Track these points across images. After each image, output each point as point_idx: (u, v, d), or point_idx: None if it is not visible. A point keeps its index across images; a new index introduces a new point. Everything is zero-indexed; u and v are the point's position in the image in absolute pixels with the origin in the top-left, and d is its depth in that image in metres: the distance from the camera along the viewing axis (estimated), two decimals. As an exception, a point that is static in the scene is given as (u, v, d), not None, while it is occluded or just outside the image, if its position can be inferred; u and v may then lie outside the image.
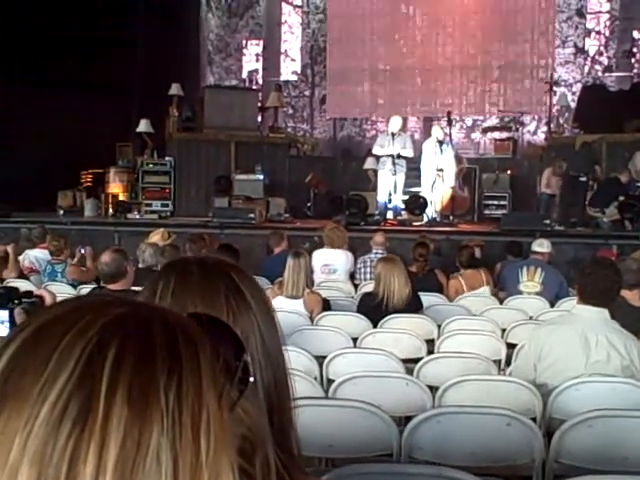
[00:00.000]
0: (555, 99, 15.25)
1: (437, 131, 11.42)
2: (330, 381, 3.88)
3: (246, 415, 0.64)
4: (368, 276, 7.54)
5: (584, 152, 11.08)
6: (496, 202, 13.05)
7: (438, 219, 11.18)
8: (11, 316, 1.66)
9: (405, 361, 4.26)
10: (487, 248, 8.71)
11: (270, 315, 1.14)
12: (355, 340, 4.80)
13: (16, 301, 1.69)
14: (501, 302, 6.44)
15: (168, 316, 0.59)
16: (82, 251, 7.58)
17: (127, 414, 0.52)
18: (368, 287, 6.47)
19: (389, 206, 11.39)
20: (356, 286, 7.46)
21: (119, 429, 0.51)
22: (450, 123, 11.63)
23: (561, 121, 14.89)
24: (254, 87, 16.05)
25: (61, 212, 12.56)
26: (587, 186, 10.82)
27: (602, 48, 16.08)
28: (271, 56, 17.48)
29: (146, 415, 0.52)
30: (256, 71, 17.33)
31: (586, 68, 16.00)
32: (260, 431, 0.67)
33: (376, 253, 7.77)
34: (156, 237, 7.67)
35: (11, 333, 0.57)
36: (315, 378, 3.95)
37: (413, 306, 5.36)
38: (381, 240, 7.98)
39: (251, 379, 0.65)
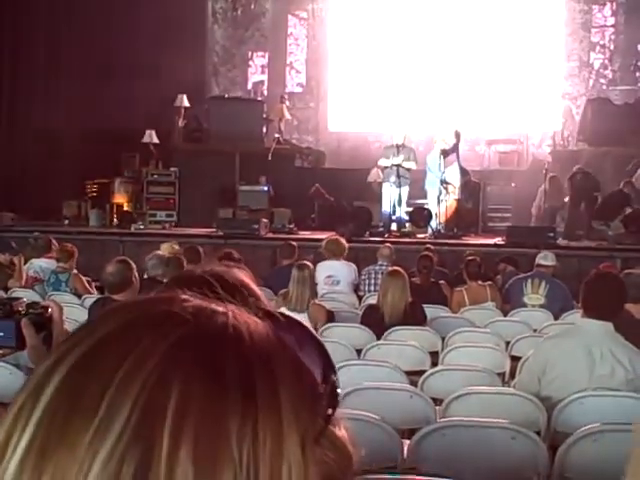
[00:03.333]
0: (560, 113, 15.28)
1: (440, 143, 11.43)
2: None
3: (332, 449, 0.52)
4: (372, 288, 7.54)
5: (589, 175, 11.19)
6: (500, 215, 13.06)
7: (442, 231, 11.18)
8: (17, 328, 1.65)
9: (409, 373, 4.25)
10: (490, 260, 8.73)
11: None
12: (359, 352, 4.80)
13: (22, 311, 1.69)
14: (505, 315, 6.43)
15: (241, 328, 0.48)
16: None
17: (193, 474, 0.43)
18: (372, 299, 6.47)
19: (393, 218, 11.40)
20: (360, 297, 7.46)
21: None
22: (458, 139, 11.64)
23: (566, 134, 14.89)
24: (259, 98, 16.09)
25: (66, 222, 12.59)
26: (597, 201, 10.89)
27: (607, 62, 16.10)
28: (276, 68, 17.53)
29: (216, 475, 0.43)
30: (261, 83, 17.37)
31: (591, 82, 16.00)
32: (346, 465, 0.54)
33: (381, 265, 7.77)
34: (165, 247, 7.71)
35: (54, 354, 0.48)
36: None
37: (414, 319, 5.36)
38: (387, 252, 7.97)
39: (340, 399, 0.53)
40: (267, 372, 0.47)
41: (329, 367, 0.53)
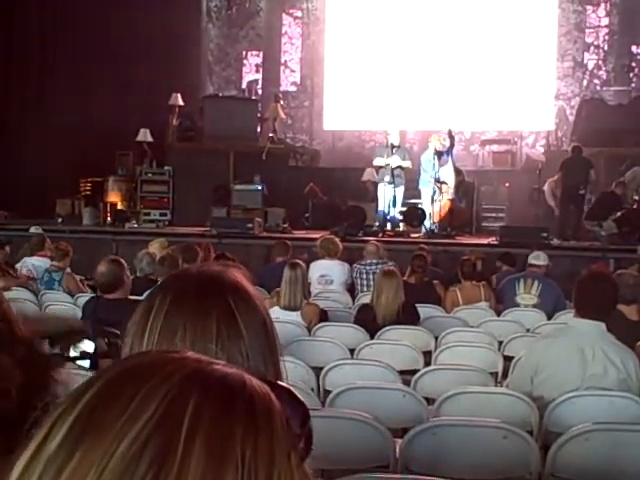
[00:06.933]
0: (554, 113, 15.32)
1: (435, 143, 11.42)
2: (327, 392, 3.88)
3: None
4: (365, 288, 7.54)
5: (577, 158, 11.04)
6: (494, 215, 13.07)
7: (436, 231, 11.18)
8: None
9: (402, 373, 4.26)
10: (491, 260, 8.71)
11: (267, 339, 1.11)
12: (352, 351, 4.80)
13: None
14: (499, 314, 6.44)
15: (245, 376, 0.59)
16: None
17: (204, 462, 0.51)
18: (365, 298, 6.47)
19: (387, 217, 11.40)
20: (354, 297, 7.45)
21: (195, 476, 0.50)
22: (452, 139, 11.65)
23: (559, 134, 14.92)
24: (253, 97, 16.07)
25: (59, 220, 12.56)
26: (584, 199, 10.87)
27: (601, 62, 16.14)
28: (271, 67, 17.52)
29: (222, 467, 0.52)
30: (256, 81, 17.36)
31: (585, 82, 16.04)
32: None
33: (370, 263, 7.74)
34: (155, 246, 7.68)
35: (95, 374, 0.58)
36: (312, 389, 3.95)
37: (406, 319, 5.36)
38: (373, 249, 7.92)
39: (313, 448, 0.65)
40: (265, 404, 0.57)
41: (307, 418, 0.65)
